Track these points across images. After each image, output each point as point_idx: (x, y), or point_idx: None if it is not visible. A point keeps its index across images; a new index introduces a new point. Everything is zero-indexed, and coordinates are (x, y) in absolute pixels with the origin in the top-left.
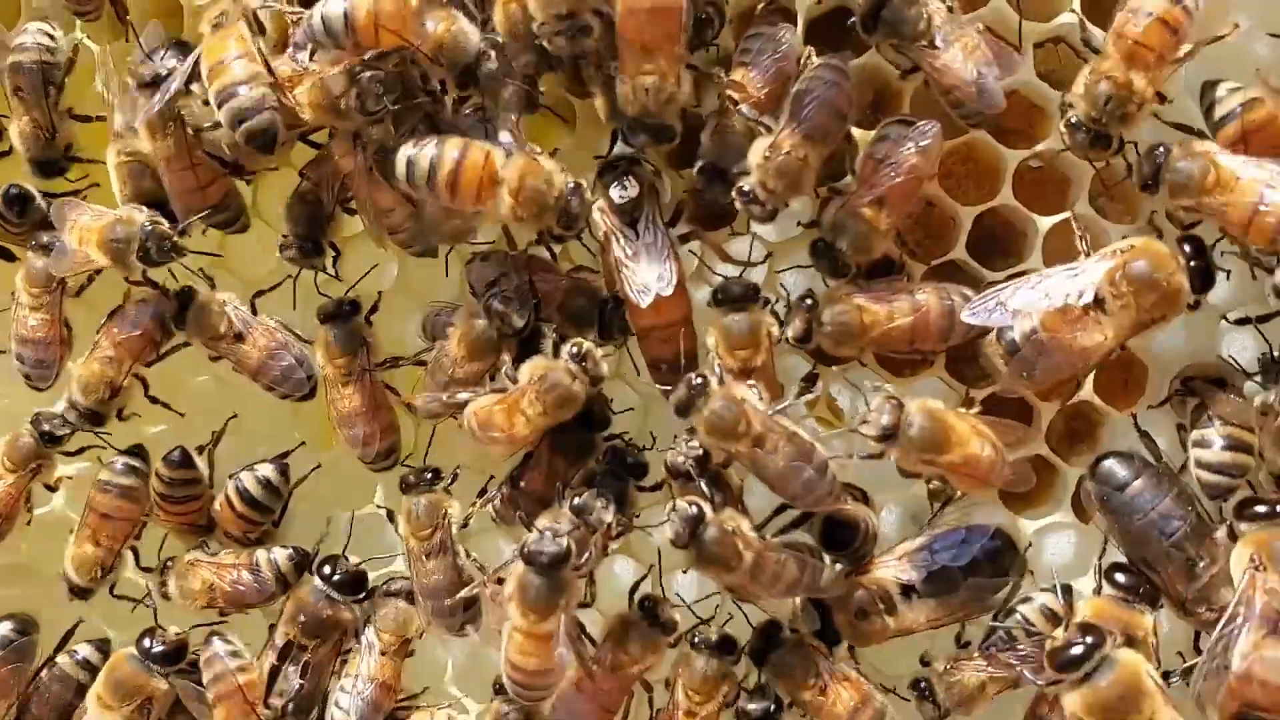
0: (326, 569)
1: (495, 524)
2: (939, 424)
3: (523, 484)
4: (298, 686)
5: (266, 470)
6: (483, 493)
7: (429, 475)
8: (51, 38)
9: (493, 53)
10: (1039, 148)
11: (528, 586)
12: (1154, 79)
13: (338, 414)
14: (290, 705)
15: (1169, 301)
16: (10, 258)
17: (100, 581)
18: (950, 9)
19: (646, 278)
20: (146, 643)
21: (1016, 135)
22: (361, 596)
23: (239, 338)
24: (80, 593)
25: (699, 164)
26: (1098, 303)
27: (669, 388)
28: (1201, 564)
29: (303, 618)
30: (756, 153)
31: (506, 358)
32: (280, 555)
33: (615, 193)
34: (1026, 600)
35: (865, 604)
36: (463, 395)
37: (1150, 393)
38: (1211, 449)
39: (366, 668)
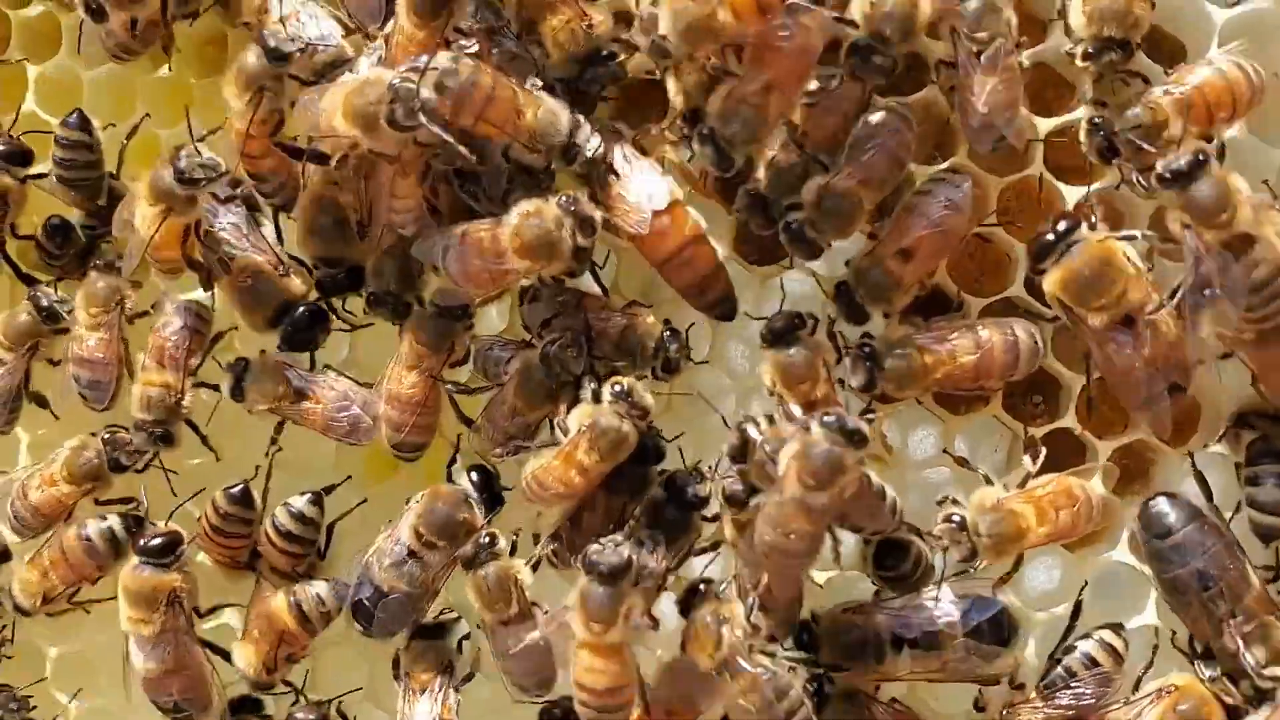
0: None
1: (554, 568)
2: (1007, 519)
3: (582, 525)
4: None
5: (300, 504)
6: (536, 538)
7: (486, 542)
8: None
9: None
10: (1096, 186)
11: (590, 596)
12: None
13: (389, 391)
14: None
15: None
16: (30, 281)
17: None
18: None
19: (638, 198)
20: (142, 543)
21: (1075, 172)
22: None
23: (300, 395)
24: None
25: (742, 189)
26: None
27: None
28: (1233, 623)
29: None
30: (810, 190)
31: (562, 409)
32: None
33: (588, 146)
34: (1086, 637)
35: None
36: (524, 453)
37: (1206, 430)
38: (1265, 487)
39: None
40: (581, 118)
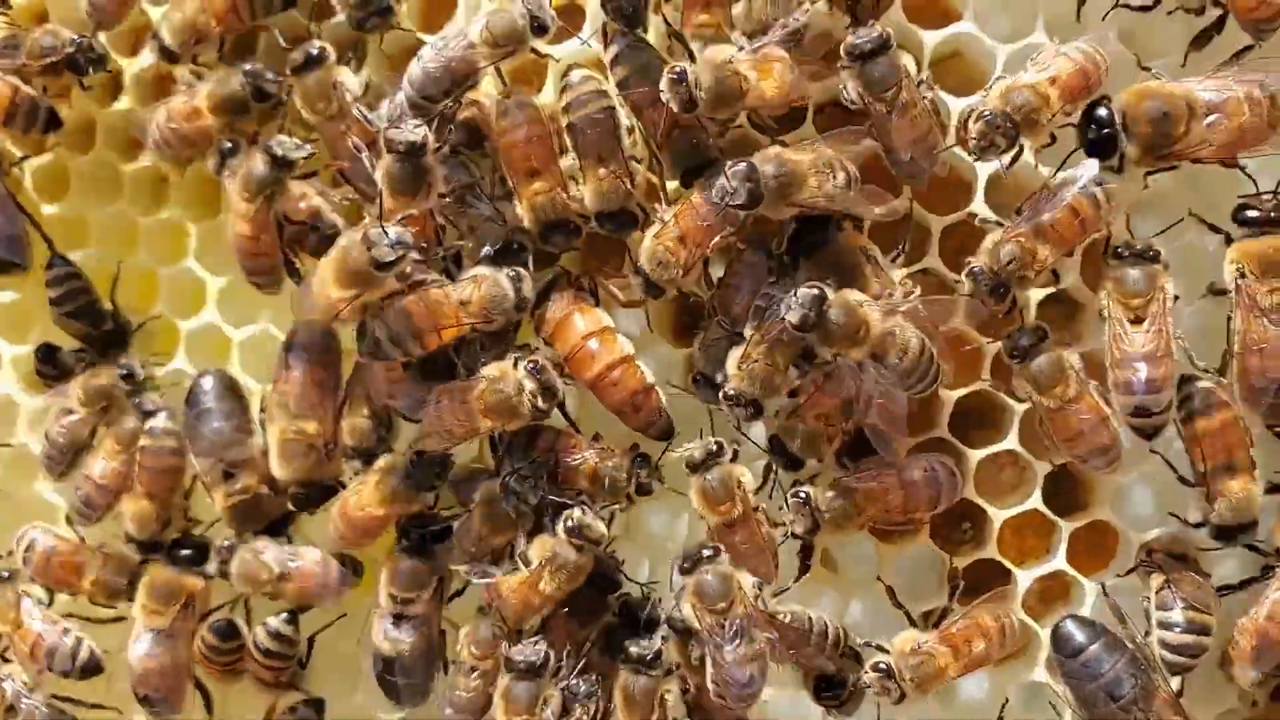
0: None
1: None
2: (926, 661)
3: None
4: None
5: (276, 624)
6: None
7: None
8: None
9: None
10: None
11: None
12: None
13: (344, 511)
14: None
15: None
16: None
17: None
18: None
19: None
20: (175, 549)
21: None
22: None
23: (283, 578)
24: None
25: (692, 375)
26: None
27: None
28: None
29: None
30: (731, 361)
31: (521, 538)
32: None
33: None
34: None
35: None
36: (492, 575)
37: (1120, 559)
38: (1173, 631)
39: None
40: (519, 270)
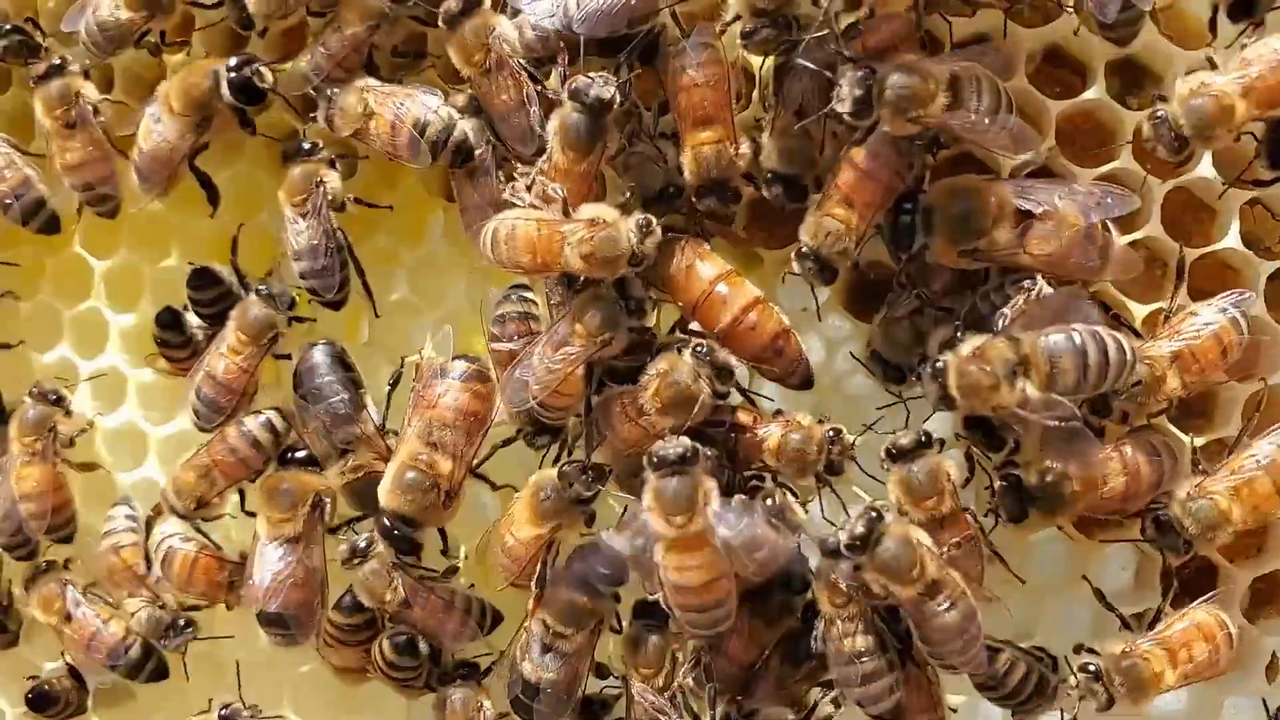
0: None
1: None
2: (1139, 665)
3: (725, 649)
4: None
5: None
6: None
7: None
8: None
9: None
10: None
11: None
12: None
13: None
14: None
15: None
16: None
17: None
18: None
19: None
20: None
21: None
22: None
23: (406, 605)
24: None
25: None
26: None
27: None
28: None
29: None
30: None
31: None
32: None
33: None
34: None
35: None
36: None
37: None
38: None
39: None
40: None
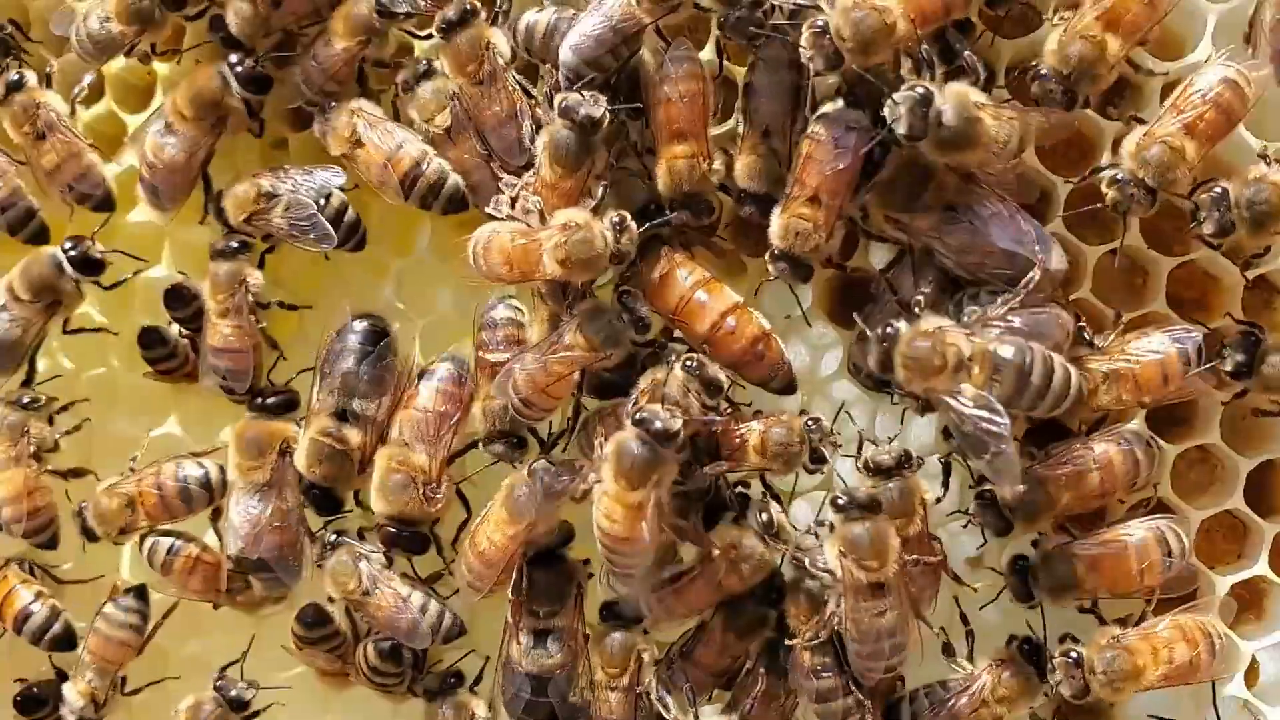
0: None
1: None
2: (1122, 656)
3: (695, 656)
4: None
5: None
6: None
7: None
8: None
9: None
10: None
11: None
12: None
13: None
14: None
15: None
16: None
17: None
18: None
19: None
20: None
21: None
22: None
23: (365, 594)
24: None
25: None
26: None
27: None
28: None
29: None
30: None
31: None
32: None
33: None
34: None
35: None
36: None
37: None
38: None
39: None
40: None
